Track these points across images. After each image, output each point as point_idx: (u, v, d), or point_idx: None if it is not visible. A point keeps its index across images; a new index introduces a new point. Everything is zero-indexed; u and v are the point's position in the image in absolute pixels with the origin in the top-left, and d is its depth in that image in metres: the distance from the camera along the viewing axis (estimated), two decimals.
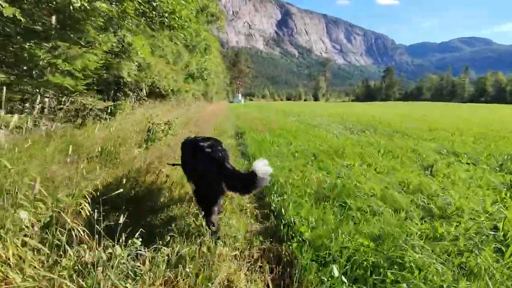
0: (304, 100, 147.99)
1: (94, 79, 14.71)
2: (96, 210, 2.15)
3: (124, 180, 3.18)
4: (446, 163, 5.84)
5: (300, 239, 2.76)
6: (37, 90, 9.34)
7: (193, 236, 2.71)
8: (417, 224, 2.99)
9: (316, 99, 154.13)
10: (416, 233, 2.74)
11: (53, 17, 8.67)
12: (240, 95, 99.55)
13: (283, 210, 3.31)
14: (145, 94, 17.62)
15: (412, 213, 3.21)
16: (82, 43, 9.55)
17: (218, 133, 11.00)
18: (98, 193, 2.98)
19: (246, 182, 2.67)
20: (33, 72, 10.04)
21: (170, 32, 19.17)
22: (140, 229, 2.27)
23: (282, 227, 3.04)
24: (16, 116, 3.72)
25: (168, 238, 2.61)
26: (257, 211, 3.57)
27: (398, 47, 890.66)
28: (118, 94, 16.61)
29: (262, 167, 2.60)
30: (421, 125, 13.34)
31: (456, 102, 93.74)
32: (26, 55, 8.50)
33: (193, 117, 14.35)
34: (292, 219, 3.10)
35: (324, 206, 3.43)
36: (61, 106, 10.30)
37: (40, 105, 9.54)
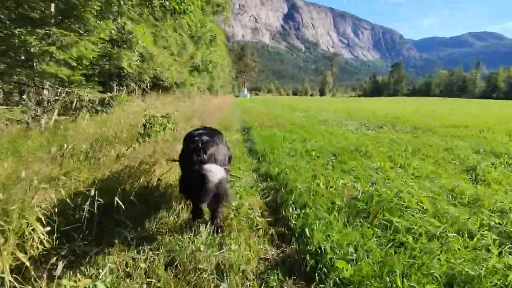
0: (311, 95, 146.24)
1: (96, 70, 13.95)
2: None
3: (92, 191, 2.37)
4: (489, 164, 4.96)
5: (337, 279, 1.95)
6: (33, 81, 8.69)
7: None
8: (497, 256, 2.16)
9: (322, 94, 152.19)
10: (505, 274, 1.91)
11: (52, 5, 7.92)
12: (245, 89, 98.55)
13: (307, 231, 2.49)
14: (147, 86, 16.88)
15: (485, 238, 2.37)
16: (81, 32, 8.84)
17: (223, 127, 10.22)
18: (57, 210, 2.20)
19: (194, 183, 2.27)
20: (26, 60, 9.31)
21: (174, 22, 18.34)
22: None
23: (308, 257, 2.23)
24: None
25: None
26: (271, 230, 2.76)
27: (406, 41, 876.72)
28: (120, 86, 15.93)
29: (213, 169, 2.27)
30: (442, 121, 12.36)
31: (466, 98, 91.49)
32: (16, 41, 7.79)
33: (198, 110, 13.55)
34: (321, 245, 2.28)
35: (360, 225, 2.61)
36: (57, 97, 9.60)
37: (40, 97, 8.90)
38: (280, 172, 4.26)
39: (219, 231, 2.64)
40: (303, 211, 2.92)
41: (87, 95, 9.48)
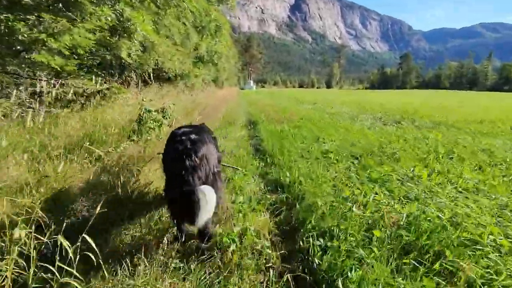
0: (317, 88, 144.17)
1: (96, 61, 13.18)
2: None
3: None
4: None
5: None
6: (21, 71, 8.06)
7: None
8: None
9: (329, 86, 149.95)
10: None
11: None
12: (251, 81, 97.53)
13: (339, 284, 1.74)
14: (148, 77, 16.13)
15: None
16: (75, 18, 8.11)
17: (227, 122, 9.46)
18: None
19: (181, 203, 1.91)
20: (16, 49, 8.66)
21: (177, 9, 17.48)
22: None
23: None
24: None
25: None
26: (288, 275, 2.00)
27: (415, 32, 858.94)
28: (122, 78, 15.21)
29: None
30: (463, 116, 11.43)
31: (477, 90, 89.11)
32: (2, 27, 7.07)
33: (201, 103, 12.79)
34: None
35: (414, 271, 1.84)
36: (49, 90, 8.94)
37: (33, 88, 8.26)
38: (293, 181, 3.49)
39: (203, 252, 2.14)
40: (329, 243, 2.16)
41: (82, 87, 8.82)
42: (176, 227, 2.30)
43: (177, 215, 2.09)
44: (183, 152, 2.03)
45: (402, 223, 2.30)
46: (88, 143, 4.25)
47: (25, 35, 7.39)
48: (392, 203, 2.76)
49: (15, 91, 8.18)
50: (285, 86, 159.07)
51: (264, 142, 5.88)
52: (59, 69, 8.23)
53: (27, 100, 8.58)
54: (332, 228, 2.34)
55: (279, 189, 3.55)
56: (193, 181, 1.95)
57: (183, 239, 2.22)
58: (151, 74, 17.22)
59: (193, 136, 2.19)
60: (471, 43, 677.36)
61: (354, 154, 4.75)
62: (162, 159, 2.46)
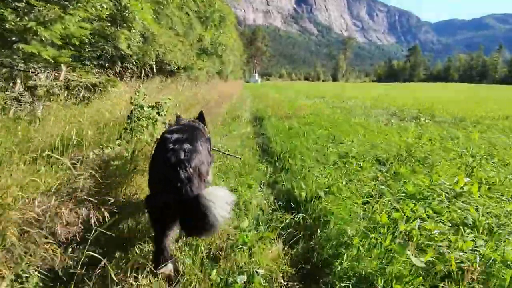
0: (323, 81, 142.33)
1: (97, 52, 12.48)
2: None
3: None
4: None
5: None
6: (17, 63, 7.49)
7: None
8: None
9: (335, 79, 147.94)
10: None
11: None
12: (256, 74, 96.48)
13: None
14: (150, 70, 15.48)
15: None
16: (68, 5, 7.46)
17: (231, 117, 8.79)
18: None
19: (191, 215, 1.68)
20: (5, 39, 8.00)
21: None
22: None
23: None
24: None
25: None
26: None
27: (424, 24, 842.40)
28: (124, 70, 14.56)
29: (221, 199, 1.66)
30: (484, 111, 10.59)
31: (487, 83, 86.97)
32: None
33: (204, 97, 12.10)
34: None
35: None
36: (41, 83, 8.36)
37: (32, 82, 7.70)
38: (311, 196, 2.82)
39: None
40: None
41: (76, 80, 8.21)
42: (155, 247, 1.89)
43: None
44: (176, 164, 1.82)
45: (476, 274, 1.61)
46: (73, 143, 3.61)
47: (13, 23, 6.78)
48: (448, 233, 2.07)
49: (11, 84, 7.58)
50: (290, 79, 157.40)
51: (272, 142, 5.20)
52: (51, 60, 7.63)
53: (22, 94, 7.97)
54: (374, 275, 1.67)
55: (292, 205, 2.89)
56: (191, 191, 1.75)
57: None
58: (154, 67, 16.55)
59: (186, 146, 1.96)
60: (481, 35, 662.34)
61: (379, 158, 4.05)
62: (149, 165, 2.17)
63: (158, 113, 4.87)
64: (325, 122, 7.21)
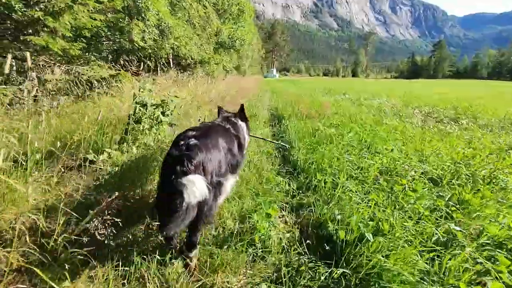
0: (342, 76, 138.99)
1: (114, 46, 12.07)
2: None
3: None
4: None
5: None
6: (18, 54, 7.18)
7: None
8: None
9: (354, 75, 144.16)
10: None
11: None
12: (274, 69, 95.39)
13: None
14: (167, 63, 14.99)
15: None
16: None
17: (248, 116, 8.06)
18: None
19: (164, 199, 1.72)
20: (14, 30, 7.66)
21: None
22: None
23: None
24: None
25: None
26: None
27: (450, 18, 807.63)
28: (141, 64, 14.12)
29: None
30: None
31: None
32: None
33: (220, 93, 11.44)
34: None
35: None
36: (49, 77, 7.97)
37: (43, 76, 7.36)
38: (353, 239, 2.06)
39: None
40: None
41: (86, 74, 7.75)
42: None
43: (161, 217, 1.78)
44: (176, 158, 1.76)
45: None
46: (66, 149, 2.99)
47: (19, 13, 6.35)
48: None
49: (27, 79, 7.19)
50: (308, 74, 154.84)
51: (294, 149, 4.44)
52: (59, 52, 7.20)
53: (36, 88, 7.57)
54: None
55: (326, 246, 2.14)
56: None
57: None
58: (171, 61, 16.05)
59: (191, 141, 1.89)
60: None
61: (431, 175, 3.21)
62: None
63: (163, 113, 4.22)
64: (353, 123, 6.35)
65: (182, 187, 1.56)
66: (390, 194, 2.72)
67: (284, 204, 2.85)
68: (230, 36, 21.87)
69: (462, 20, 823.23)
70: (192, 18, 15.65)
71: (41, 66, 7.60)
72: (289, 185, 3.26)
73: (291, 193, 3.09)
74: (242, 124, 2.86)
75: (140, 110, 3.96)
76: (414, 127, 6.51)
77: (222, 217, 2.50)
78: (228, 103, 9.61)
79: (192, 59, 16.06)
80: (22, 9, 6.00)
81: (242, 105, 3.07)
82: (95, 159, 3.44)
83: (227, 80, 20.91)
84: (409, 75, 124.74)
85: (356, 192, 2.78)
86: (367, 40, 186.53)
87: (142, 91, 4.42)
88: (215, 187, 1.92)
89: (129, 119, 4.07)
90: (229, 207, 2.63)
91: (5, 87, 7.18)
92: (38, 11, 6.18)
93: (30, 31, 7.29)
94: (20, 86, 8.04)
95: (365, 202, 2.53)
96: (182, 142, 1.89)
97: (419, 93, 19.13)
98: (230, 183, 2.29)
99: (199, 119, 5.01)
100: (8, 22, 6.96)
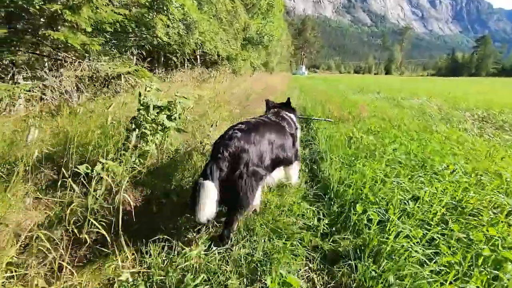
0: (375, 74, 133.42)
1: (142, 42, 11.77)
2: None
3: None
4: None
5: None
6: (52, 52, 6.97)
7: None
8: None
9: (388, 72, 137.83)
10: None
11: None
12: (304, 66, 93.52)
13: None
14: (193, 60, 14.55)
15: None
16: None
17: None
18: None
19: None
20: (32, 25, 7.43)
21: None
22: None
23: None
24: None
25: None
26: None
27: (496, 11, 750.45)
28: (167, 61, 13.80)
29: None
30: None
31: None
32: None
33: (246, 91, 10.75)
34: None
35: None
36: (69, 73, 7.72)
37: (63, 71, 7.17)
38: None
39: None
40: None
41: (106, 70, 7.40)
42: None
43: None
44: (216, 145, 2.07)
45: None
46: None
47: (37, 7, 5.96)
48: None
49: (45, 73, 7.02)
50: (339, 71, 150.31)
51: (325, 163, 3.62)
52: (78, 47, 6.85)
53: (56, 84, 7.38)
54: None
55: None
56: (210, 173, 1.85)
57: None
58: (199, 57, 15.58)
59: (235, 133, 2.10)
60: None
61: None
62: None
63: (169, 117, 3.57)
64: (397, 130, 5.38)
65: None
66: (467, 248, 1.86)
67: (311, 254, 2.07)
68: (258, 32, 21.08)
69: (510, 13, 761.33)
70: (219, 12, 15.07)
71: (62, 61, 7.32)
72: (318, 218, 2.46)
73: (321, 235, 2.30)
74: (291, 115, 3.17)
75: (141, 114, 3.34)
76: (471, 135, 5.41)
77: (225, 272, 1.78)
78: (253, 102, 8.90)
79: (218, 55, 15.51)
80: (40, 3, 5.66)
81: (288, 98, 3.41)
82: (88, 171, 2.84)
83: (254, 77, 20.20)
84: (448, 72, 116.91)
85: (416, 239, 1.95)
86: (402, 36, 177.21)
87: (148, 90, 3.79)
88: (250, 176, 2.02)
89: (131, 123, 3.47)
90: (236, 252, 1.92)
91: (28, 83, 6.93)
92: (57, 5, 5.82)
93: (50, 26, 7.02)
94: (45, 82, 7.81)
95: (437, 264, 1.69)
96: (229, 132, 2.13)
97: (464, 92, 17.31)
98: (276, 174, 2.58)
99: (212, 125, 4.32)
100: (27, 16, 6.71)
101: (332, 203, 2.75)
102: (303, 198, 2.89)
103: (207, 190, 1.74)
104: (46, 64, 7.49)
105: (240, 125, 2.24)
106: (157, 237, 2.01)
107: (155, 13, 10.15)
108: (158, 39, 10.55)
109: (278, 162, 2.43)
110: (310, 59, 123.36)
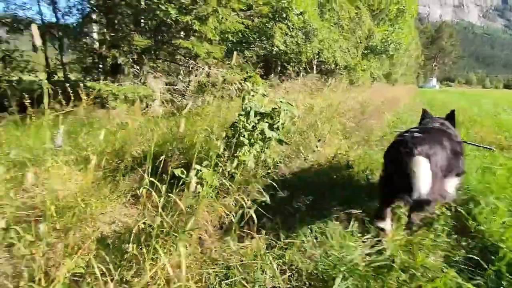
0: None
1: (260, 52, 12.24)
2: None
3: None
4: None
5: None
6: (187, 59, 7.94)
7: None
8: None
9: None
10: None
11: None
12: (434, 79, 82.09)
13: None
14: (309, 68, 14.26)
15: None
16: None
17: (391, 135, 6.10)
18: None
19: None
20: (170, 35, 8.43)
21: None
22: None
23: None
24: None
25: None
26: None
27: None
28: (284, 69, 14.01)
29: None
30: None
31: None
32: (158, 13, 6.70)
33: (363, 103, 9.60)
34: None
35: None
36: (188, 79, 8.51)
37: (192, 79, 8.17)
38: None
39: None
40: None
41: (223, 76, 7.81)
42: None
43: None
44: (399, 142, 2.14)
45: None
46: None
47: (173, 18, 6.68)
48: None
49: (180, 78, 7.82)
50: (481, 86, 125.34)
51: (479, 213, 2.48)
52: (203, 55, 7.39)
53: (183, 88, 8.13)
54: None
55: None
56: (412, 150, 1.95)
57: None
58: (314, 66, 15.22)
59: (416, 134, 2.17)
60: None
61: None
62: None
63: (271, 126, 3.14)
64: None
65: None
66: None
67: None
68: (383, 40, 19.20)
69: None
70: (342, 19, 14.28)
71: (189, 68, 8.06)
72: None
73: None
74: (454, 130, 2.99)
75: (241, 120, 3.01)
76: None
77: None
78: (370, 115, 7.85)
79: (335, 64, 14.72)
80: (176, 15, 6.27)
81: (452, 111, 3.16)
82: (182, 176, 2.65)
83: (373, 88, 18.38)
84: None
85: None
86: None
87: (253, 95, 3.47)
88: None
89: (230, 129, 3.22)
90: None
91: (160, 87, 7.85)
92: (189, 16, 6.36)
93: (182, 35, 7.83)
94: (176, 87, 8.74)
95: None
96: (407, 134, 2.24)
97: None
98: (451, 184, 2.39)
99: (319, 139, 3.70)
100: (164, 29, 7.64)
101: (501, 282, 1.73)
102: (449, 264, 1.94)
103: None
104: (181, 72, 8.39)
105: (414, 129, 2.43)
106: None
107: (275, 22, 10.26)
108: (276, 47, 10.63)
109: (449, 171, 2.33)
110: (443, 71, 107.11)
